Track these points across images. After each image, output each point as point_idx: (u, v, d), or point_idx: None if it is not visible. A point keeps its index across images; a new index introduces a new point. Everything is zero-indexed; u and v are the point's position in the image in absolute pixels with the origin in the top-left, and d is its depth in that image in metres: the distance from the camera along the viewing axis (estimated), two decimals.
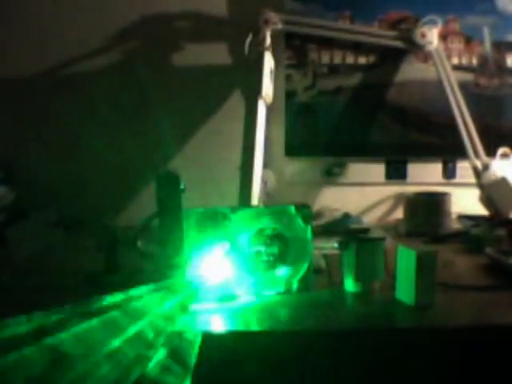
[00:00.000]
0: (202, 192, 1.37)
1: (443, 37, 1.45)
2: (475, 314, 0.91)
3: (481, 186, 1.33)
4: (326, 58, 1.51)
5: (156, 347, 0.69)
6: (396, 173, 1.56)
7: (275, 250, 0.96)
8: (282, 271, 0.97)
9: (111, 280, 1.03)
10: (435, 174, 1.55)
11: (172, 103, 1.52)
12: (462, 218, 1.45)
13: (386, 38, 1.40)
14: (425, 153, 1.54)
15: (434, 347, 0.84)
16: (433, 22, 1.37)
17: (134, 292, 0.75)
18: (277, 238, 0.96)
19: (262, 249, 0.96)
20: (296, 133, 1.54)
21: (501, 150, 1.36)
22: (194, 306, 0.89)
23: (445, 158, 1.55)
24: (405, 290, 0.91)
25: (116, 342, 0.62)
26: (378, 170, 1.56)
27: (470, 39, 1.49)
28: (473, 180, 1.35)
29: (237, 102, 1.48)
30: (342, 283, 0.99)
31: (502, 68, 1.50)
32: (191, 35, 1.50)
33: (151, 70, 1.51)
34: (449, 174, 1.55)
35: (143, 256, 1.05)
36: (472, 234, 1.29)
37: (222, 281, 0.94)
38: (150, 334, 0.69)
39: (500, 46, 1.49)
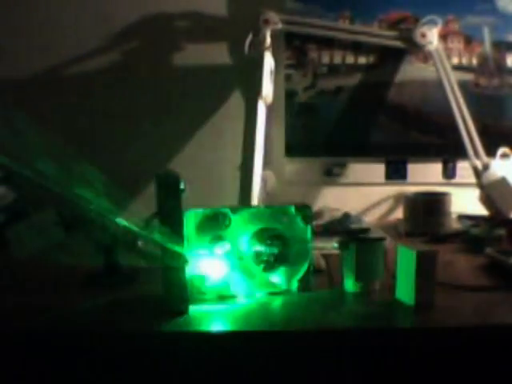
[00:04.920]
0: (202, 192, 1.37)
1: (443, 37, 1.45)
2: (475, 313, 0.91)
3: (481, 186, 1.33)
4: (326, 58, 1.51)
5: None
6: (396, 173, 1.56)
7: (275, 250, 0.96)
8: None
9: (111, 280, 1.03)
10: (435, 174, 1.55)
11: (172, 103, 1.52)
12: (462, 217, 1.45)
13: (386, 38, 1.40)
14: (425, 153, 1.54)
15: (433, 347, 0.84)
16: (433, 22, 1.37)
17: None
18: (277, 237, 0.96)
19: (262, 249, 0.96)
20: (296, 133, 1.54)
21: (501, 150, 1.36)
22: (194, 307, 0.90)
23: (445, 158, 1.55)
24: (405, 290, 0.91)
25: None
26: (378, 170, 1.56)
27: (469, 39, 1.49)
28: (473, 180, 1.35)
29: (237, 102, 1.48)
30: (342, 283, 0.99)
31: (501, 68, 1.50)
32: (191, 35, 1.50)
33: (151, 70, 1.51)
34: (449, 174, 1.55)
35: (143, 256, 1.05)
36: (472, 234, 1.29)
37: (222, 281, 0.94)
38: None
39: (500, 46, 1.49)
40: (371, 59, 1.51)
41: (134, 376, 0.85)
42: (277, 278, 0.97)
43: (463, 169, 1.50)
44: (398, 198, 1.55)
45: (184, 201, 0.87)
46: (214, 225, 0.93)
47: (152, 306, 0.90)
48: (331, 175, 1.56)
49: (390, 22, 1.48)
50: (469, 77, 1.50)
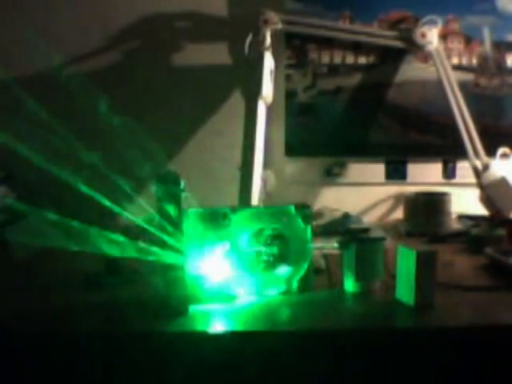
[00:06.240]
0: (202, 192, 1.36)
1: (443, 37, 1.45)
2: (475, 314, 0.91)
3: (481, 186, 1.33)
4: (326, 58, 1.51)
5: None
6: (396, 173, 1.56)
7: (275, 250, 0.96)
8: (283, 270, 0.96)
9: (111, 280, 1.03)
10: (435, 174, 1.55)
11: (172, 103, 1.52)
12: (462, 218, 1.45)
13: (386, 37, 1.40)
14: (425, 153, 1.54)
15: (433, 347, 0.84)
16: (433, 22, 1.37)
17: None
18: (277, 237, 0.96)
19: (262, 249, 0.96)
20: (296, 133, 1.54)
21: (501, 150, 1.36)
22: (194, 307, 0.90)
23: (445, 158, 1.55)
24: (405, 290, 0.91)
25: None
26: (378, 170, 1.56)
27: (469, 39, 1.49)
28: (473, 180, 1.35)
29: (237, 102, 1.48)
30: (342, 283, 0.99)
31: (501, 68, 1.50)
32: (191, 35, 1.50)
33: (151, 70, 1.51)
34: (449, 174, 1.55)
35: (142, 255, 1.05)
36: (472, 234, 1.29)
37: (222, 281, 0.94)
38: None
39: (500, 46, 1.49)
40: (371, 59, 1.51)
41: (134, 376, 0.85)
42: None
43: (463, 169, 1.50)
44: (398, 198, 1.55)
45: (184, 201, 0.87)
46: (213, 225, 0.93)
47: (152, 306, 0.90)
48: (331, 175, 1.56)
49: (390, 21, 1.48)
50: (469, 77, 1.50)
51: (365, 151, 1.55)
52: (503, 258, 1.09)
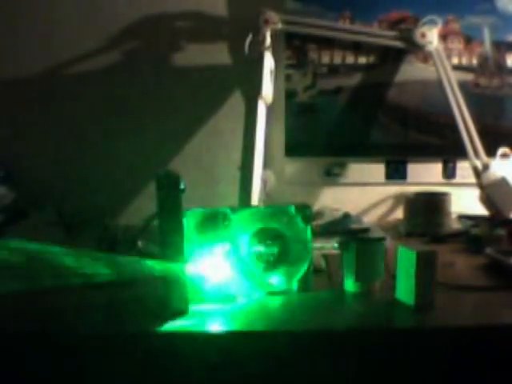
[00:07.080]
0: (202, 192, 1.37)
1: (443, 37, 1.45)
2: (475, 313, 0.91)
3: (481, 186, 1.33)
4: (326, 58, 1.51)
5: None
6: (396, 173, 1.56)
7: (275, 250, 0.96)
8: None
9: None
10: (435, 174, 1.55)
11: (172, 103, 1.52)
12: (462, 218, 1.45)
13: (386, 37, 1.40)
14: (425, 153, 1.54)
15: (433, 347, 0.84)
16: (433, 22, 1.37)
17: None
18: (277, 237, 0.96)
19: (262, 249, 0.96)
20: (296, 133, 1.54)
21: (501, 150, 1.36)
22: (194, 307, 0.90)
23: (445, 158, 1.55)
24: (405, 290, 0.91)
25: None
26: (378, 170, 1.56)
27: (469, 39, 1.49)
28: (473, 180, 1.35)
29: (237, 102, 1.48)
30: (342, 283, 0.99)
31: (501, 68, 1.50)
32: (191, 35, 1.50)
33: (151, 70, 1.51)
34: (449, 174, 1.55)
35: (143, 256, 1.05)
36: (472, 234, 1.29)
37: (222, 281, 0.94)
38: None
39: (500, 46, 1.49)
40: (371, 59, 1.51)
41: (133, 376, 0.85)
42: (277, 278, 0.97)
43: (463, 169, 1.50)
44: (398, 198, 1.55)
45: (184, 201, 0.87)
46: (213, 225, 0.93)
47: (152, 306, 0.90)
48: (331, 175, 1.56)
49: (390, 21, 1.48)
50: (469, 77, 1.50)
51: (365, 151, 1.55)
52: (503, 258, 1.09)
